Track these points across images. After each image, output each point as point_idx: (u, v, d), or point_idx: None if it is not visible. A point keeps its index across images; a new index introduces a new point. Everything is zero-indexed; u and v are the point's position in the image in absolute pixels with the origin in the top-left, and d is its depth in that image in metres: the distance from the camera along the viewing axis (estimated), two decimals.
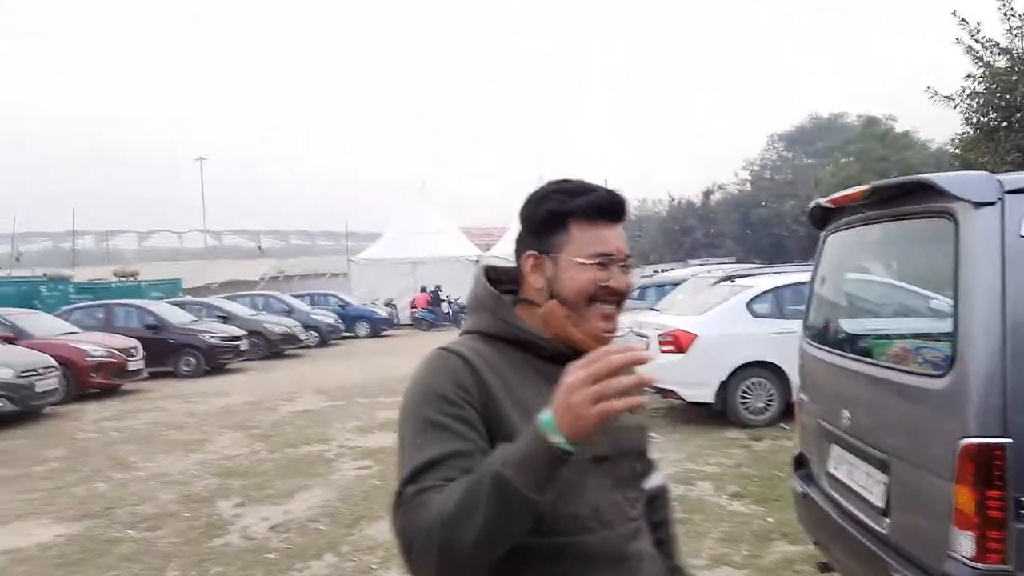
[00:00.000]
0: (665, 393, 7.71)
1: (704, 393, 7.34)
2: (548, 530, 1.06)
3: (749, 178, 56.86)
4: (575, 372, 0.92)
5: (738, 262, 29.63)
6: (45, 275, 22.74)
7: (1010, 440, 1.90)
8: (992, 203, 2.03)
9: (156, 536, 4.88)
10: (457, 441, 1.03)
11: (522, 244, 1.20)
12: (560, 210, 1.15)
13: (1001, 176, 2.09)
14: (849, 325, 3.16)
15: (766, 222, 45.82)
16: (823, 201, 3.01)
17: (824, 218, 3.13)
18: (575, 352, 1.05)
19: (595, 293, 1.13)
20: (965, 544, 1.96)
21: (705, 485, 5.45)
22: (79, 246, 54.05)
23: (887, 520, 2.37)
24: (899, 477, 2.31)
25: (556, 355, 1.13)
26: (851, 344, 2.97)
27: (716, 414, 7.32)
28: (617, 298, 1.15)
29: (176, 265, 37.75)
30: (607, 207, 1.16)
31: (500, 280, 1.25)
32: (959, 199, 2.09)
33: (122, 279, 24.09)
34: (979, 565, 1.94)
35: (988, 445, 1.92)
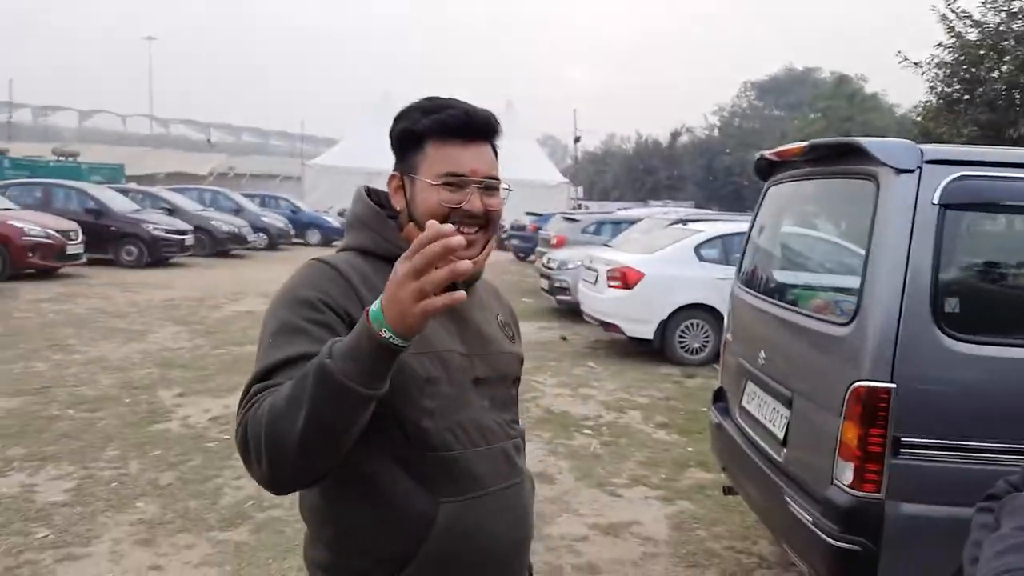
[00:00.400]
0: (608, 327, 8.00)
1: (645, 329, 7.64)
2: (434, 444, 1.08)
3: (718, 123, 57.01)
4: (400, 265, 0.85)
5: (697, 207, 30.07)
6: None
7: (895, 385, 2.13)
8: (911, 170, 2.19)
9: (96, 417, 4.95)
10: (312, 344, 0.99)
11: (395, 160, 1.19)
12: (414, 128, 1.12)
13: (923, 146, 2.24)
14: (779, 274, 3.36)
15: (729, 170, 46.27)
16: (767, 153, 3.15)
17: (768, 170, 3.28)
18: None
19: (447, 215, 1.08)
20: (846, 473, 2.22)
21: (635, 414, 5.78)
22: (14, 119, 51.13)
23: (784, 450, 2.63)
24: (799, 412, 2.56)
25: None
26: (777, 292, 3.18)
27: (654, 351, 7.65)
28: (477, 221, 1.11)
29: (118, 150, 36.14)
30: (463, 125, 1.11)
31: (382, 204, 1.22)
32: (883, 164, 2.25)
33: (61, 158, 23.02)
34: (856, 492, 2.19)
35: (875, 388, 2.14)
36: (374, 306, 0.88)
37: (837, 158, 2.68)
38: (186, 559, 3.20)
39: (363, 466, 1.07)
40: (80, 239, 11.85)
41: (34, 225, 11.04)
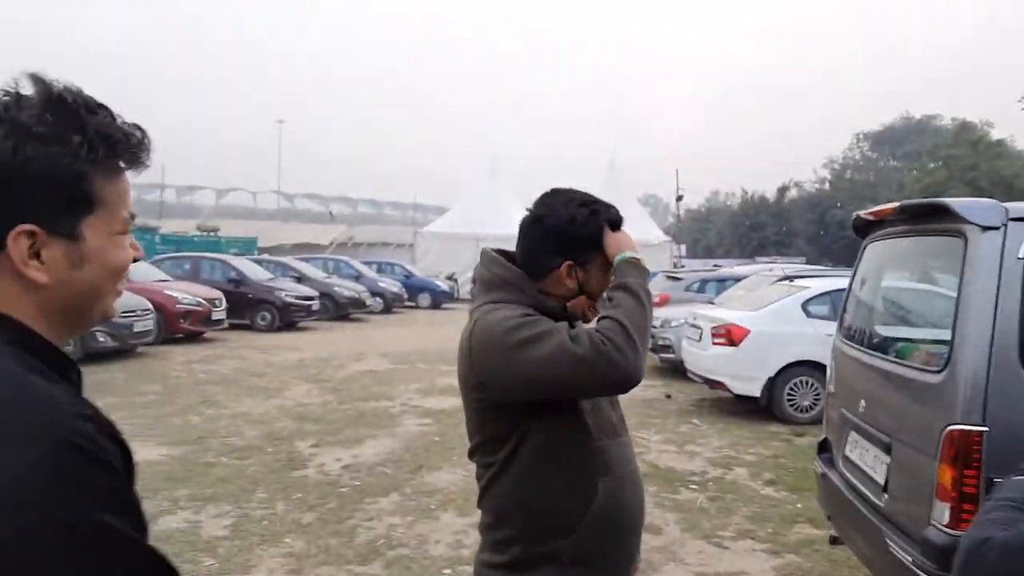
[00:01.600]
0: (713, 384, 8.02)
1: (751, 387, 7.60)
2: (593, 436, 1.47)
3: (829, 177, 55.27)
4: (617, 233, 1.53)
5: (808, 263, 29.11)
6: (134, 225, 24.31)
7: (987, 428, 2.24)
8: (996, 227, 2.35)
9: (245, 464, 5.57)
10: (550, 323, 1.41)
11: (558, 251, 1.51)
12: (596, 232, 1.53)
13: (1008, 204, 2.40)
14: (877, 327, 3.47)
15: (841, 224, 44.44)
16: (863, 213, 3.33)
17: (865, 228, 3.44)
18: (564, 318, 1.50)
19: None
20: (943, 514, 2.32)
21: (741, 471, 5.79)
22: (160, 199, 57.03)
23: (885, 495, 2.73)
24: (898, 458, 2.67)
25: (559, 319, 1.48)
26: (875, 343, 3.29)
27: (761, 409, 7.59)
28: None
29: (251, 224, 39.55)
30: (621, 221, 1.57)
31: (510, 260, 1.57)
32: (969, 222, 2.41)
33: (204, 233, 25.57)
34: (953, 532, 2.29)
35: (968, 432, 2.26)
36: (632, 253, 1.50)
37: (928, 217, 2.85)
38: None
39: (554, 454, 1.45)
40: (223, 306, 13.17)
41: (185, 294, 12.41)
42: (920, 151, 48.65)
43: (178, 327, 12.06)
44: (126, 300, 10.60)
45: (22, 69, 0.76)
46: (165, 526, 4.31)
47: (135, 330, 10.42)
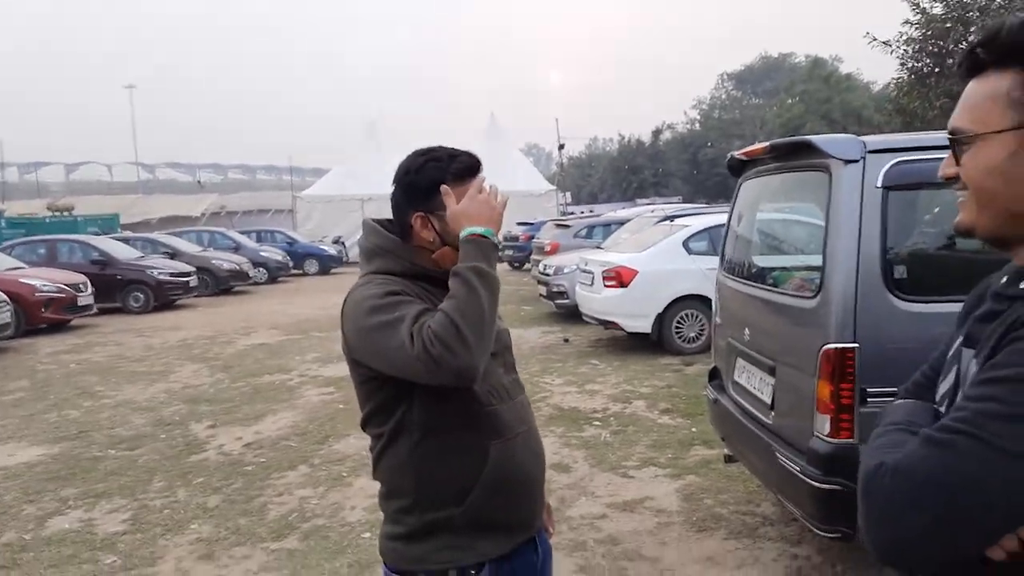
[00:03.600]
0: (607, 324, 8.35)
1: (642, 324, 7.99)
2: (482, 402, 1.46)
3: (698, 117, 57.65)
4: (475, 193, 1.44)
5: (684, 202, 30.48)
6: None
7: (857, 345, 2.48)
8: (856, 160, 2.56)
9: (137, 454, 5.27)
10: (419, 304, 1.39)
11: (407, 205, 1.50)
12: (438, 177, 1.46)
13: (865, 138, 2.61)
14: (756, 259, 3.72)
15: (713, 162, 46.78)
16: (736, 154, 3.52)
17: (740, 168, 3.65)
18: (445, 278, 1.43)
19: None
20: (824, 425, 2.56)
21: (639, 403, 6.11)
22: (2, 179, 51.52)
23: (773, 413, 2.97)
24: (782, 379, 2.90)
25: (442, 281, 1.44)
26: (755, 275, 3.53)
27: (653, 343, 8.00)
28: None
29: (109, 199, 36.54)
30: (472, 167, 1.49)
31: (388, 230, 1.56)
32: (832, 156, 2.61)
33: (56, 214, 23.39)
34: (834, 440, 2.53)
35: (842, 349, 2.49)
36: (473, 228, 1.40)
37: (795, 154, 3.05)
38: (246, 568, 3.52)
39: (441, 422, 1.45)
40: (89, 290, 12.17)
41: (45, 281, 11.37)
42: (779, 88, 51.61)
43: (40, 317, 11.06)
44: None
45: None
46: (56, 528, 4.04)
47: None
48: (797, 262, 3.41)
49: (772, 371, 2.98)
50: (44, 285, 11.24)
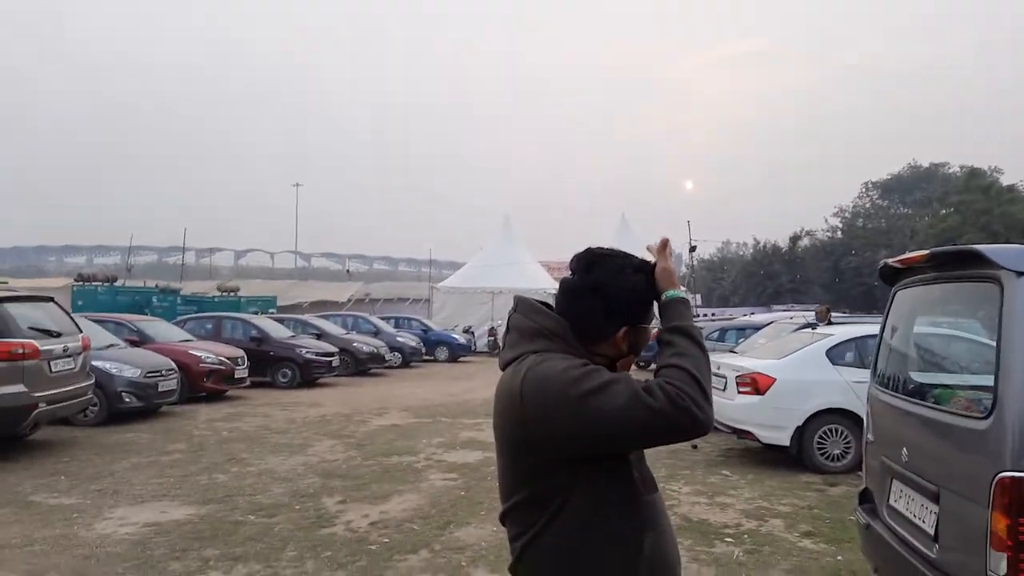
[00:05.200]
0: (741, 434, 7.92)
1: (780, 436, 7.49)
2: (639, 490, 1.48)
3: (840, 225, 55.33)
4: (664, 263, 1.55)
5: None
6: (156, 286, 24.74)
7: None
8: None
9: (273, 522, 5.53)
10: (608, 374, 1.41)
11: (615, 316, 1.52)
12: (643, 301, 1.55)
13: None
14: (915, 374, 3.45)
15: (857, 271, 44.42)
16: (891, 261, 3.36)
17: (893, 276, 3.47)
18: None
19: None
20: (1000, 564, 2.27)
21: (776, 522, 5.67)
22: (182, 261, 58.07)
23: (937, 545, 2.68)
24: (947, 507, 2.62)
25: None
26: (914, 391, 3.27)
27: (792, 458, 7.47)
28: None
29: (270, 283, 40.11)
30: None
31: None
32: (1003, 268, 2.44)
33: (224, 293, 25.88)
34: None
35: (1020, 479, 2.24)
36: (677, 292, 1.53)
37: (958, 263, 2.87)
38: None
39: (601, 512, 1.43)
40: (245, 364, 13.24)
41: (209, 353, 12.51)
42: (930, 198, 48.83)
43: (201, 386, 12.12)
44: (150, 360, 10.74)
45: None
46: None
47: (160, 389, 10.48)
48: (962, 380, 3.15)
49: (936, 498, 2.71)
50: (208, 357, 12.37)
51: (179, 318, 16.52)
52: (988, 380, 2.56)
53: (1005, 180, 43.14)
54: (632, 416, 1.34)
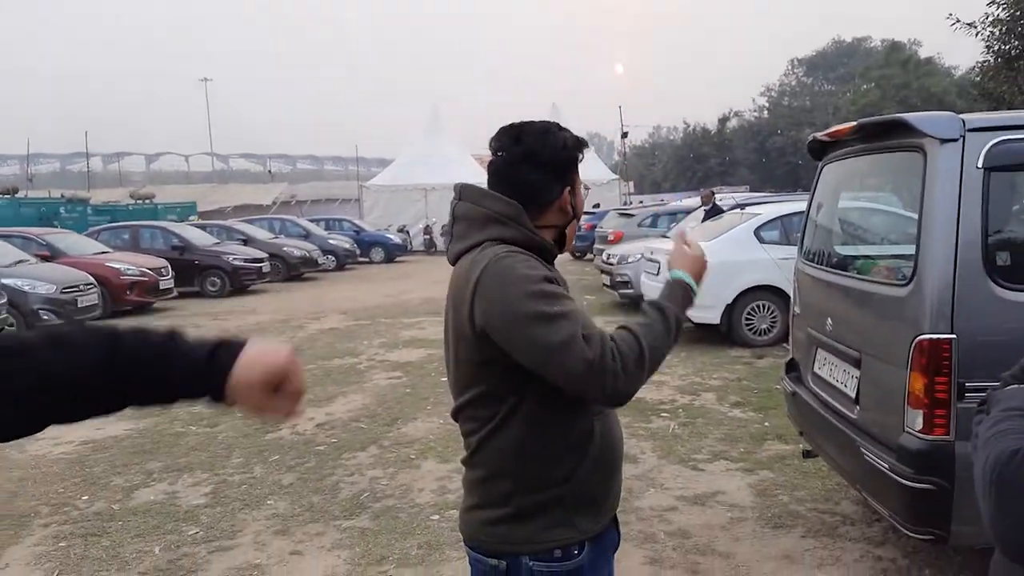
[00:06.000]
0: None
1: (711, 315, 7.79)
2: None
3: (767, 105, 55.94)
4: (688, 245, 1.56)
5: (752, 191, 29.69)
6: (63, 196, 23.19)
7: (955, 336, 2.34)
8: (955, 139, 2.40)
9: (215, 431, 5.49)
10: (568, 301, 1.36)
11: (555, 180, 1.50)
12: (577, 153, 1.52)
13: (964, 116, 2.45)
14: (840, 247, 3.56)
15: (782, 151, 45.39)
16: (819, 135, 3.37)
17: (821, 150, 3.49)
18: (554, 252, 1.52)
19: None
20: (917, 420, 2.43)
21: (709, 395, 5.98)
22: (88, 168, 54.40)
23: (858, 407, 2.85)
24: (868, 371, 2.78)
25: (552, 258, 1.51)
26: (839, 263, 3.38)
27: (722, 335, 7.81)
28: None
29: (186, 188, 38.17)
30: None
31: None
32: (928, 135, 2.47)
33: (138, 201, 24.52)
34: (927, 436, 2.41)
35: (938, 340, 2.36)
36: (688, 278, 1.50)
37: (885, 134, 2.89)
38: (319, 544, 3.61)
39: (556, 404, 1.42)
40: (170, 275, 12.73)
41: (129, 265, 11.95)
42: (853, 74, 49.55)
43: (125, 299, 11.64)
44: (66, 275, 10.20)
45: None
46: (142, 499, 4.24)
47: (79, 305, 10.03)
48: (883, 251, 3.26)
49: (857, 363, 2.85)
50: (128, 269, 11.82)
51: (91, 229, 15.63)
52: (909, 250, 2.65)
53: (923, 53, 44.09)
54: (559, 359, 1.30)
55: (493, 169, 1.52)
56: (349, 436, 5.26)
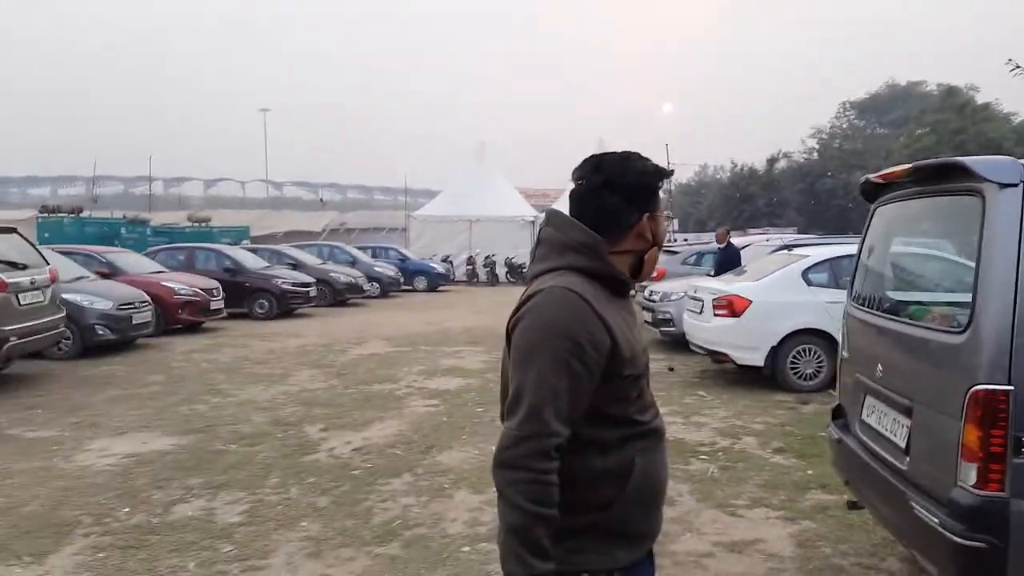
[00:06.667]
0: (716, 356, 8.05)
1: (755, 357, 7.63)
2: (645, 416, 1.53)
3: (817, 146, 55.16)
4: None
5: (800, 233, 29.19)
6: (125, 217, 24.15)
7: (1012, 388, 2.24)
8: (1015, 184, 2.33)
9: (255, 451, 5.56)
10: (575, 380, 1.38)
11: (632, 206, 1.53)
12: (655, 183, 1.56)
13: None
14: (892, 292, 3.46)
15: (832, 193, 44.55)
16: (872, 176, 3.31)
17: (874, 192, 3.43)
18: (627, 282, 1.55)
19: None
20: (970, 474, 2.33)
21: (750, 440, 5.83)
22: (149, 191, 56.64)
23: (908, 458, 2.74)
24: (919, 420, 2.67)
25: (625, 289, 1.56)
26: (891, 308, 3.29)
27: (766, 378, 7.63)
28: None
29: (241, 213, 39.35)
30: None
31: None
32: (987, 180, 2.40)
33: (195, 224, 25.37)
34: (980, 492, 2.30)
35: (994, 391, 2.26)
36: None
37: (941, 177, 2.83)
38: (350, 570, 3.61)
39: (601, 428, 1.45)
40: (221, 296, 13.08)
41: (183, 285, 12.32)
42: (907, 118, 48.57)
43: (177, 318, 11.98)
44: (123, 292, 10.56)
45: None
46: (180, 514, 4.31)
47: (134, 322, 10.35)
48: (938, 297, 3.16)
49: (908, 412, 2.75)
50: (182, 288, 12.18)
51: (150, 249, 16.19)
52: (964, 297, 2.56)
53: (980, 98, 43.01)
54: (518, 404, 1.39)
55: (575, 197, 1.57)
56: (384, 462, 5.27)
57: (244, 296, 14.60)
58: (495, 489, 1.41)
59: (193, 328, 12.60)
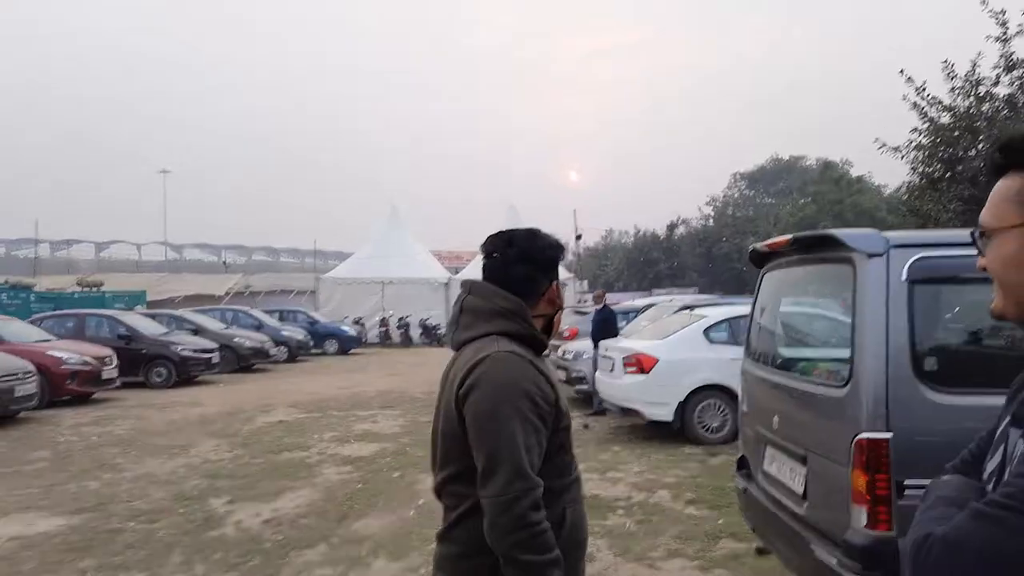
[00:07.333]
0: (628, 412, 8.30)
1: (664, 412, 7.93)
2: (568, 472, 1.63)
3: (712, 213, 58.64)
4: None
5: (700, 292, 30.67)
6: (7, 282, 22.53)
7: (891, 435, 2.51)
8: (880, 254, 2.66)
9: (155, 527, 5.24)
10: (539, 435, 1.53)
11: (543, 275, 1.72)
12: (558, 256, 1.77)
13: (888, 233, 2.73)
14: (782, 349, 3.77)
15: (727, 256, 47.26)
16: (759, 245, 3.65)
17: (761, 259, 3.77)
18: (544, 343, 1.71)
19: None
20: (861, 516, 2.55)
21: (663, 493, 6.01)
22: (34, 254, 53.16)
23: (806, 503, 2.96)
24: (813, 468, 2.91)
25: (543, 349, 1.72)
26: (782, 364, 3.58)
27: (675, 432, 7.91)
28: None
29: (137, 277, 37.51)
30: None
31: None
32: (856, 250, 2.72)
33: (86, 288, 23.94)
34: (871, 532, 2.52)
35: (875, 439, 2.52)
36: None
37: (818, 246, 3.17)
38: None
39: (551, 484, 1.55)
40: (114, 364, 12.33)
41: (71, 353, 11.55)
42: (791, 188, 52.73)
43: (65, 388, 11.20)
44: (7, 363, 9.81)
45: None
46: None
47: (16, 395, 9.60)
48: (822, 354, 3.47)
49: (803, 460, 2.99)
50: (70, 357, 11.42)
51: (35, 316, 15.13)
52: (845, 353, 2.85)
53: (854, 172, 47.42)
54: (503, 456, 1.47)
55: (491, 268, 1.71)
56: (297, 533, 5.08)
57: (140, 364, 13.82)
58: (500, 554, 1.47)
59: (83, 399, 11.78)
